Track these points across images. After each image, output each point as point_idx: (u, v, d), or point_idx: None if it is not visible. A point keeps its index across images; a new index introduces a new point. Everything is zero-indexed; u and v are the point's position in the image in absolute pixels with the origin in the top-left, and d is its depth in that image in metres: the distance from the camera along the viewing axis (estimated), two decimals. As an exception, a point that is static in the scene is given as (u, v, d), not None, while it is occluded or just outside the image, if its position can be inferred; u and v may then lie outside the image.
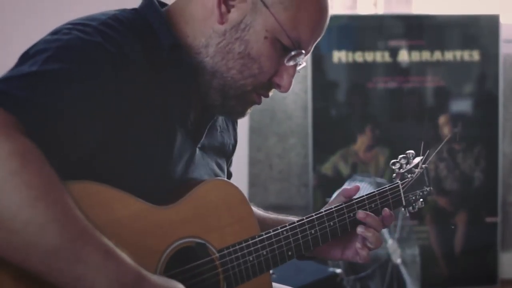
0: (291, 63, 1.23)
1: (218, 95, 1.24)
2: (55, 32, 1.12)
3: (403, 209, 1.46)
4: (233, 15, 1.20)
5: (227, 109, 1.27)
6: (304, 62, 1.26)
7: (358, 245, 1.36)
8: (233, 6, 1.20)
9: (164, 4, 1.31)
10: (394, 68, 3.44)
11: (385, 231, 2.81)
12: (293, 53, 1.22)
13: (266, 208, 1.54)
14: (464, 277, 3.49)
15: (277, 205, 3.42)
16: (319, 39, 1.26)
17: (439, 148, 1.59)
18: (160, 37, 1.21)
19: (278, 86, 1.26)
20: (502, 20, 3.43)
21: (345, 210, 1.36)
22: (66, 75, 1.04)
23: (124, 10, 1.22)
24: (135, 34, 1.17)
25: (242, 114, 1.30)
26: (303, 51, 1.23)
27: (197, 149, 1.29)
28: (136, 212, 1.10)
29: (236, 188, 1.28)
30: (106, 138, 1.09)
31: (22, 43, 1.15)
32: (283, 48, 1.22)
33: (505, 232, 3.58)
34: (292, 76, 1.25)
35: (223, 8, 1.20)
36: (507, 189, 3.59)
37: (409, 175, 1.46)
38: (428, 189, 1.48)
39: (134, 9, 1.25)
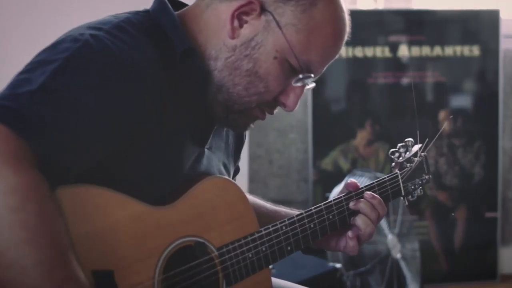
0: (299, 84, 1.22)
1: (222, 109, 1.22)
2: (67, 39, 1.09)
3: (402, 198, 1.46)
4: (245, 31, 1.18)
5: (230, 122, 1.26)
6: (313, 83, 1.23)
7: (349, 233, 1.34)
8: (246, 22, 1.18)
9: (178, 3, 1.29)
10: (394, 64, 3.44)
11: (385, 227, 2.81)
12: (301, 76, 1.21)
13: (266, 203, 1.54)
14: (464, 272, 3.50)
15: (277, 200, 3.39)
16: (331, 61, 1.24)
17: (437, 134, 1.57)
18: (174, 41, 1.19)
19: (283, 105, 1.24)
20: (502, 15, 3.43)
21: (344, 203, 1.36)
22: (74, 90, 1.03)
23: (137, 13, 1.20)
24: (149, 37, 1.15)
25: (244, 129, 1.29)
26: (312, 75, 1.21)
27: (206, 150, 1.28)
28: (133, 213, 1.10)
29: (234, 185, 1.27)
30: (115, 146, 1.08)
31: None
32: (292, 69, 1.20)
33: (504, 227, 3.59)
34: (299, 96, 1.23)
35: (236, 22, 1.18)
36: (507, 184, 3.59)
37: (408, 165, 1.45)
38: (427, 177, 1.47)
39: (146, 11, 1.22)
